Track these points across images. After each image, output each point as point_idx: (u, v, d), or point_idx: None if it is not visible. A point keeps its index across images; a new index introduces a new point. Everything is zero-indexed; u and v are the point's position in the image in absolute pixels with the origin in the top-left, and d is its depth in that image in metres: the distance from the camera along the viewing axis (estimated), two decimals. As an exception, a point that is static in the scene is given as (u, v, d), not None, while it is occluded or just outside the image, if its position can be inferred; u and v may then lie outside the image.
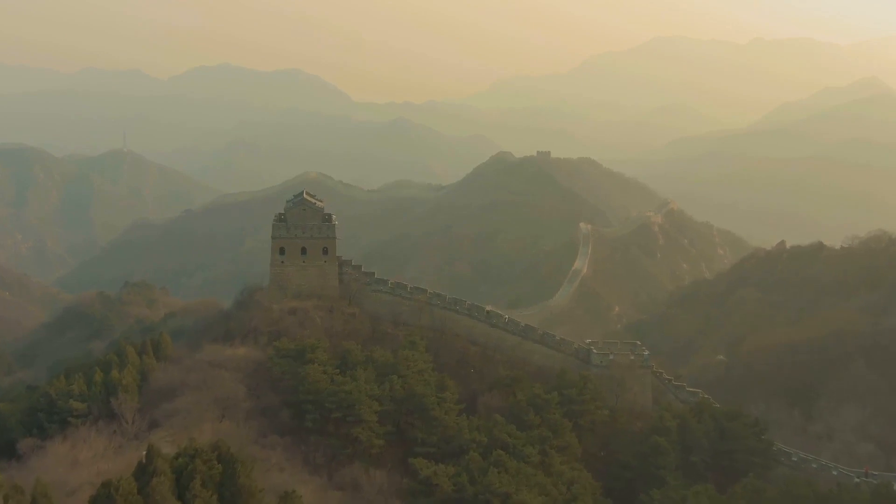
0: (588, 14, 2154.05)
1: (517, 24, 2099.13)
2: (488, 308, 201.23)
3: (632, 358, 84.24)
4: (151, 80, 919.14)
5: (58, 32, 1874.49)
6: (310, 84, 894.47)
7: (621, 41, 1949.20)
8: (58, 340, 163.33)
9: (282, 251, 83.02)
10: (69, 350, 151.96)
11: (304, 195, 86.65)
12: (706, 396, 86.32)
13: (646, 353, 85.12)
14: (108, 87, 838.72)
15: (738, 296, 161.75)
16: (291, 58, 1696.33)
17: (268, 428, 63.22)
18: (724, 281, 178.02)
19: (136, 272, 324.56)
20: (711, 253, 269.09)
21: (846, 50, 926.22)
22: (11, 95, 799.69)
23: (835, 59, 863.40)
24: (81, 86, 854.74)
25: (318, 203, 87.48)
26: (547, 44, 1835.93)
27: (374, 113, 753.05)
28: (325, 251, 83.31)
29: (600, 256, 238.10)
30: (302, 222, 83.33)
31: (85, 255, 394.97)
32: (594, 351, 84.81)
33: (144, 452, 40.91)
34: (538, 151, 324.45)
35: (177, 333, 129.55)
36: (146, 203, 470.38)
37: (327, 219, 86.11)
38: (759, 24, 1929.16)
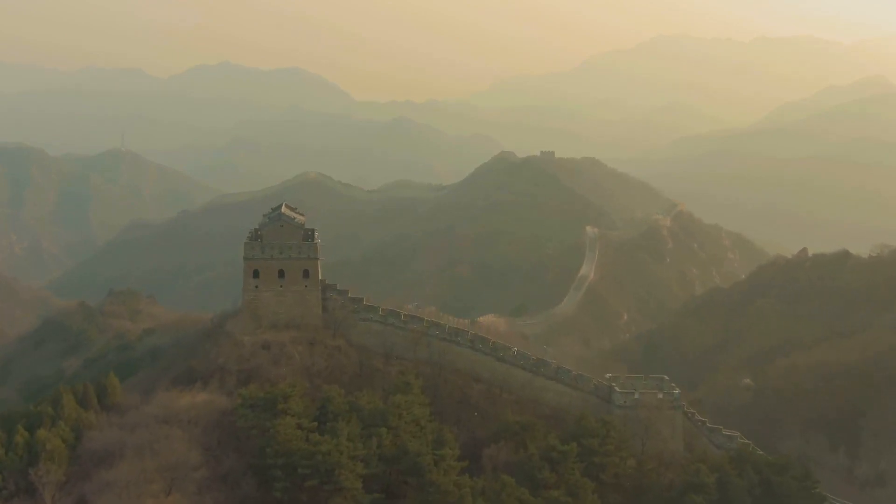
0: (590, 13, 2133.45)
1: (518, 23, 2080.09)
2: (489, 317, 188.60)
3: (660, 397, 71.76)
4: (152, 79, 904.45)
5: (58, 31, 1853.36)
6: (311, 83, 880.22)
7: (623, 40, 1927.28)
8: (34, 355, 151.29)
9: (255, 274, 70.50)
10: (43, 367, 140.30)
11: (283, 209, 74.11)
12: (745, 441, 73.86)
13: (676, 391, 72.57)
14: (109, 86, 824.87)
15: (758, 307, 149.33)
16: (292, 56, 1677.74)
17: (227, 501, 50.84)
18: (741, 290, 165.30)
19: (131, 274, 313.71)
20: (721, 256, 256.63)
21: (849, 48, 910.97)
22: (11, 94, 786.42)
23: (838, 58, 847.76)
24: (81, 84, 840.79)
25: (299, 218, 74.99)
26: (548, 42, 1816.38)
27: (376, 112, 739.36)
28: (307, 274, 70.86)
29: (607, 261, 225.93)
30: (279, 241, 70.87)
31: (81, 255, 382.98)
32: (616, 389, 72.27)
33: None
34: (541, 151, 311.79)
35: (151, 353, 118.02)
36: (145, 202, 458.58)
37: (309, 236, 73.63)
38: (761, 22, 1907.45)
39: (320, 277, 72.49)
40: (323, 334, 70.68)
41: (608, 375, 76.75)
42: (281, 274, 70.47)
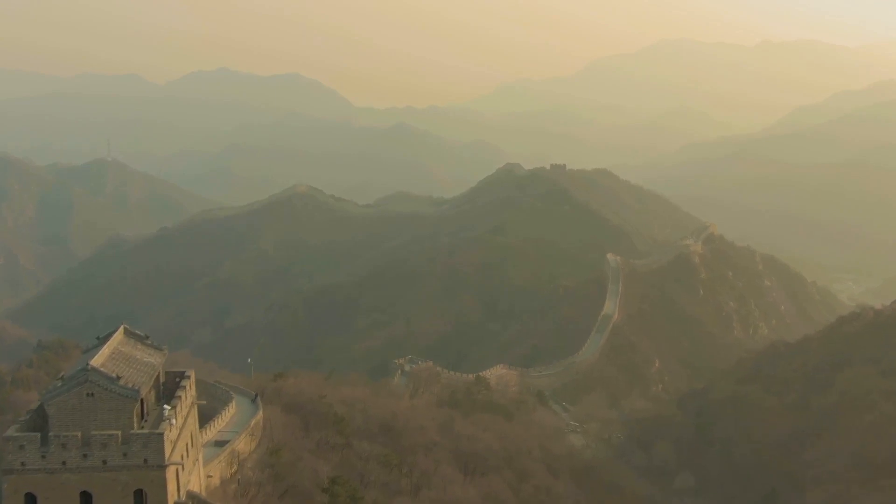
0: (591, 17, 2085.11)
1: (519, 27, 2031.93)
2: (498, 369, 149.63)
3: None
4: (149, 85, 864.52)
5: (55, 36, 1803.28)
6: (309, 88, 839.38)
7: (625, 44, 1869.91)
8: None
9: (30, 501, 32.09)
10: None
11: (101, 355, 35.16)
12: None
13: None
14: (105, 92, 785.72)
15: (851, 379, 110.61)
16: (290, 62, 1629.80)
17: None
18: (817, 351, 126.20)
19: (102, 298, 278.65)
20: (758, 285, 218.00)
21: (855, 52, 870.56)
22: (7, 100, 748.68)
23: (845, 62, 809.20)
24: (78, 90, 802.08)
25: (141, 363, 36.15)
26: (550, 47, 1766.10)
27: (375, 118, 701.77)
28: (142, 498, 32.38)
29: (633, 295, 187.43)
30: (85, 427, 32.41)
31: (59, 272, 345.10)
32: None
33: None
34: (551, 164, 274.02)
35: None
36: (130, 214, 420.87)
37: (155, 409, 35.02)
38: (764, 26, 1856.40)
39: (179, 499, 33.70)
40: None
41: None
42: (87, 499, 31.99)
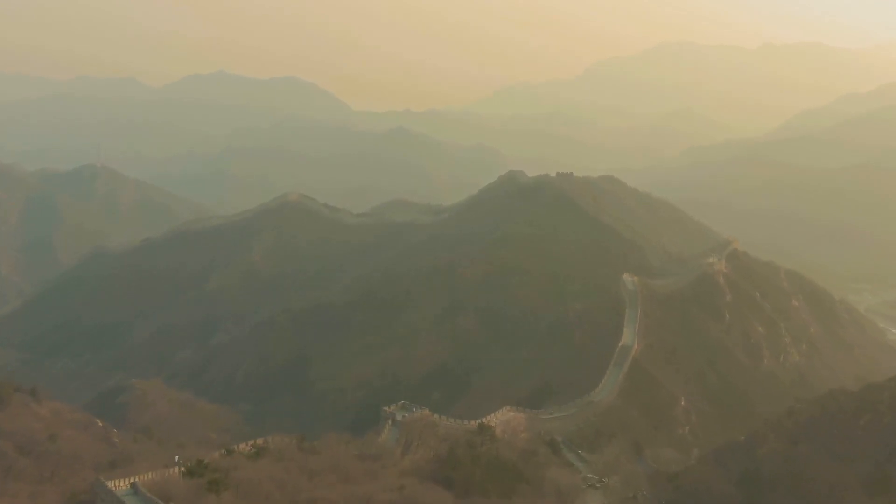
0: (592, 19, 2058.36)
1: (519, 29, 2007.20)
2: (504, 412, 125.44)
3: None
4: (146, 88, 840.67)
5: (53, 39, 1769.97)
6: (307, 91, 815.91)
7: (626, 46, 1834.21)
8: None
9: None
10: None
11: None
12: None
13: None
14: (103, 95, 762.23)
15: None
16: (288, 64, 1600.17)
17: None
18: (888, 405, 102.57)
19: (83, 314, 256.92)
20: (785, 306, 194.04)
21: (858, 55, 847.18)
22: (6, 103, 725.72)
23: (847, 65, 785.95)
24: (76, 92, 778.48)
25: None
26: (551, 49, 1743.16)
27: (374, 121, 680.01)
28: None
29: (653, 322, 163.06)
30: None
31: (44, 280, 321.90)
32: None
33: None
34: (558, 172, 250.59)
35: None
36: (121, 221, 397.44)
37: None
38: (765, 28, 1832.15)
39: None
40: None
41: None
42: None
